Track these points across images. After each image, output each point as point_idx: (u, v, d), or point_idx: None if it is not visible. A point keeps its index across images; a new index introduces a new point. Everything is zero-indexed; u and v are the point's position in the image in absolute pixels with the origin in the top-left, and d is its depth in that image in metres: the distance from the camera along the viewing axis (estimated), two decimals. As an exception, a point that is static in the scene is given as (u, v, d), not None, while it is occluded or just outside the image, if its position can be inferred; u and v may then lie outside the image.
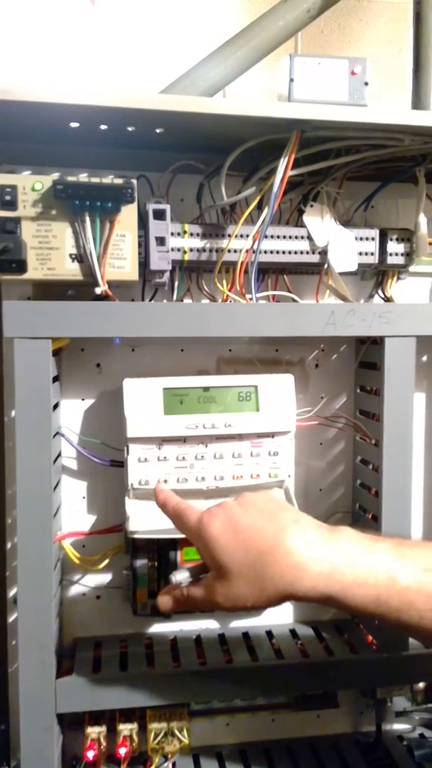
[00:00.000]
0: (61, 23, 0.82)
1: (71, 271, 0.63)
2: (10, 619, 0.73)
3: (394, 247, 0.74)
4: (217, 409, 0.69)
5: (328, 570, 0.50)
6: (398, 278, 0.78)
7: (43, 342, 0.62)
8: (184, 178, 0.72)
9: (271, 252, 0.71)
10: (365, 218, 0.78)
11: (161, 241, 0.66)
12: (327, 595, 0.50)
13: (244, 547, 0.51)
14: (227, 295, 0.72)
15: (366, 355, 0.76)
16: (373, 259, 0.74)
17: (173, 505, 0.58)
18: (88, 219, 0.62)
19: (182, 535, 0.58)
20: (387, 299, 0.78)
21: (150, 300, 0.74)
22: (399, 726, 0.82)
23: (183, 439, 0.69)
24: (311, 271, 0.76)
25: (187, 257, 0.69)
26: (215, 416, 0.69)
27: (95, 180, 0.61)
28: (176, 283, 0.73)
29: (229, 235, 0.69)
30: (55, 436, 0.67)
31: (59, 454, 0.72)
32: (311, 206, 0.73)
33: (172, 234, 0.68)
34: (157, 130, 0.65)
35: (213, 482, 0.70)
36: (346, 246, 0.72)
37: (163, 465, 0.69)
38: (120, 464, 0.70)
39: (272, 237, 0.71)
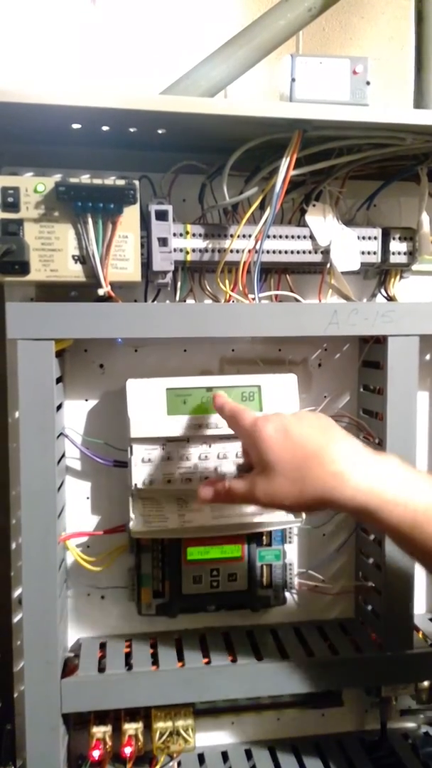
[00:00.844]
0: (63, 24, 0.82)
1: (74, 272, 0.63)
2: (15, 619, 0.73)
3: (397, 246, 0.74)
4: (220, 409, 0.69)
5: (370, 484, 0.52)
6: (401, 277, 0.78)
7: (47, 343, 0.62)
8: (186, 178, 0.72)
9: (274, 252, 0.71)
10: (368, 217, 0.78)
11: (164, 241, 0.66)
12: (364, 508, 0.51)
13: (291, 449, 0.54)
14: (230, 296, 0.72)
15: (369, 355, 0.76)
16: (376, 258, 0.74)
17: (230, 407, 0.62)
18: (90, 220, 0.62)
19: (184, 535, 0.58)
20: (390, 298, 0.78)
21: (153, 301, 0.74)
22: (404, 724, 0.82)
23: (186, 439, 0.69)
24: (314, 270, 0.76)
25: (189, 258, 0.69)
26: (218, 416, 0.69)
27: (97, 181, 0.61)
28: (179, 284, 0.73)
29: (232, 236, 0.69)
30: (58, 436, 0.67)
31: (63, 455, 0.72)
32: (313, 206, 0.73)
33: (175, 234, 0.68)
34: (159, 131, 0.65)
35: (216, 482, 0.70)
36: (348, 245, 0.72)
37: (167, 465, 0.69)
38: (123, 465, 0.70)
39: (275, 237, 0.71)
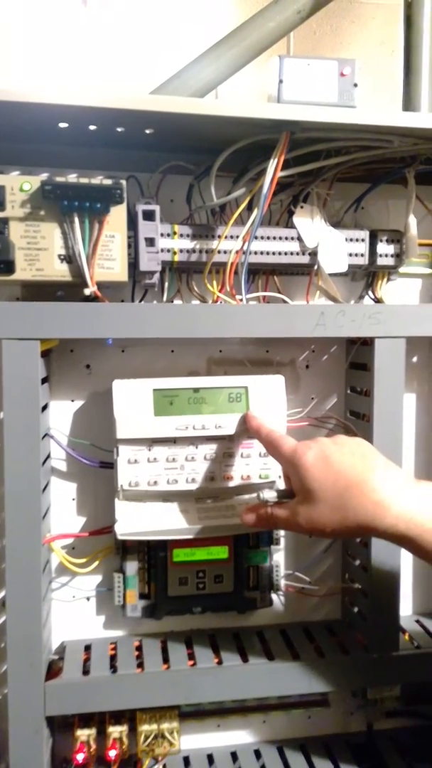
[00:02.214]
0: (52, 22, 0.82)
1: (60, 271, 0.63)
2: (-1, 621, 0.73)
3: (384, 248, 0.74)
4: (207, 410, 0.69)
5: (411, 513, 0.53)
6: (388, 279, 0.78)
7: (32, 343, 0.61)
8: (173, 178, 0.72)
9: (261, 253, 0.71)
10: (355, 219, 0.78)
11: (151, 242, 0.66)
12: (405, 536, 0.53)
13: (333, 478, 0.55)
14: (217, 296, 0.72)
15: (356, 356, 0.76)
16: (363, 260, 0.74)
17: (267, 433, 0.63)
18: (77, 219, 0.62)
19: (170, 537, 0.58)
20: (377, 300, 0.78)
21: (140, 301, 0.74)
22: (389, 726, 0.82)
23: (173, 440, 0.69)
24: (301, 272, 0.77)
25: (176, 258, 0.69)
26: (205, 417, 0.68)
27: (84, 180, 0.61)
28: (166, 284, 0.73)
29: (219, 236, 0.69)
30: (44, 437, 0.67)
31: (48, 456, 0.72)
32: (301, 207, 0.73)
33: (162, 235, 0.68)
34: (147, 131, 0.65)
35: (203, 483, 0.69)
36: (336, 247, 0.72)
37: (153, 466, 0.68)
38: (109, 466, 0.70)
39: (262, 238, 0.71)
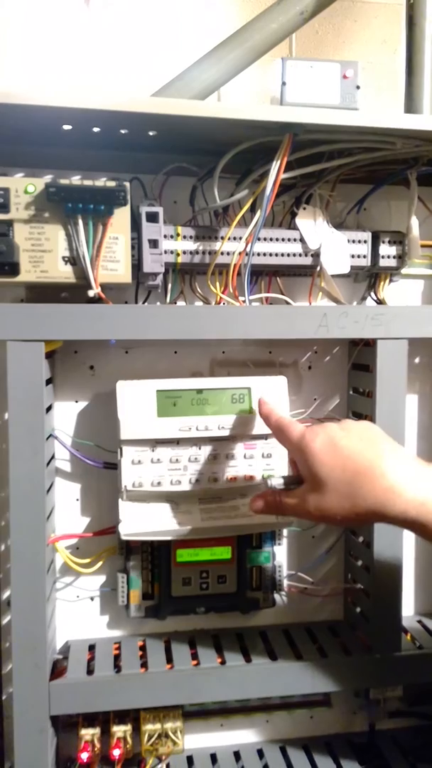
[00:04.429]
0: (56, 24, 0.82)
1: (64, 273, 0.63)
2: (4, 621, 0.73)
3: (387, 249, 0.74)
4: (210, 411, 0.69)
5: (422, 498, 0.52)
6: (390, 280, 0.78)
7: (36, 344, 0.62)
8: (177, 180, 0.72)
9: (264, 254, 0.71)
10: (358, 221, 0.78)
11: (154, 243, 0.66)
12: (417, 522, 0.52)
13: (342, 464, 0.54)
14: (220, 298, 0.72)
15: (359, 357, 0.76)
16: (366, 262, 0.74)
17: (276, 419, 0.62)
18: (81, 221, 0.62)
19: (174, 537, 0.58)
20: (379, 301, 0.79)
21: (143, 302, 0.74)
22: (392, 726, 0.83)
23: (176, 441, 0.69)
24: (304, 273, 0.77)
25: (180, 259, 0.69)
26: (208, 418, 0.69)
27: (88, 182, 0.61)
28: (169, 286, 0.73)
29: (222, 238, 0.69)
30: (48, 438, 0.67)
31: (53, 457, 0.72)
32: (304, 209, 0.73)
33: (165, 236, 0.68)
34: (150, 133, 0.66)
35: (206, 484, 0.70)
36: (338, 248, 0.72)
37: (157, 467, 0.69)
38: (113, 466, 0.70)
39: (265, 239, 0.71)
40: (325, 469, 0.55)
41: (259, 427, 0.69)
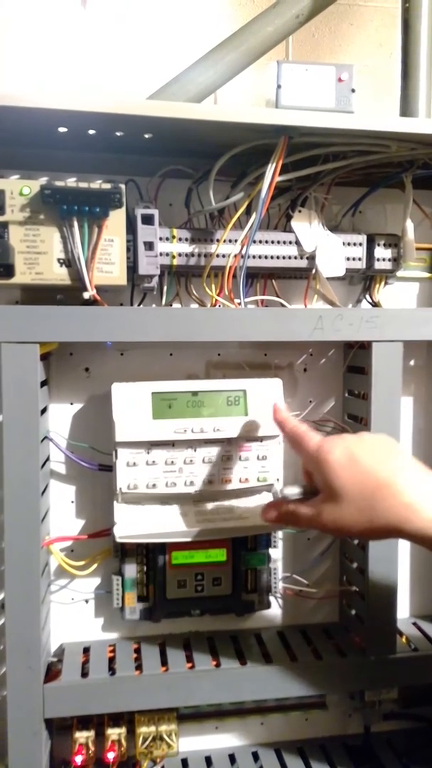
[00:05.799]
0: (51, 26, 0.82)
1: (59, 275, 0.63)
2: (-2, 623, 0.73)
3: (382, 252, 0.75)
4: (205, 414, 0.69)
5: None
6: (386, 283, 0.79)
7: (31, 346, 0.62)
8: (172, 182, 0.73)
9: (260, 257, 0.71)
10: (353, 223, 0.78)
11: (150, 245, 0.66)
12: None
13: (360, 478, 0.53)
14: (216, 300, 0.72)
15: (354, 360, 0.77)
16: (361, 264, 0.74)
17: (291, 427, 0.61)
18: (76, 224, 0.62)
19: (169, 539, 0.58)
20: (374, 304, 0.79)
21: (139, 305, 0.74)
22: (387, 728, 0.83)
23: (172, 444, 0.69)
24: (299, 276, 0.77)
25: (175, 262, 0.70)
26: (204, 420, 0.69)
27: (83, 185, 0.61)
28: (165, 288, 0.73)
29: (218, 240, 0.70)
30: (43, 440, 0.67)
31: (47, 459, 0.72)
32: (299, 211, 0.73)
33: (161, 239, 0.68)
34: (146, 135, 0.66)
35: (202, 486, 0.70)
36: (333, 251, 0.73)
37: (152, 469, 0.69)
38: (108, 468, 0.70)
39: (260, 242, 0.71)
40: (343, 482, 0.54)
41: (254, 429, 0.70)
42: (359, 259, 0.74)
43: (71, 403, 0.75)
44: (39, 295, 0.68)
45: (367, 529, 0.53)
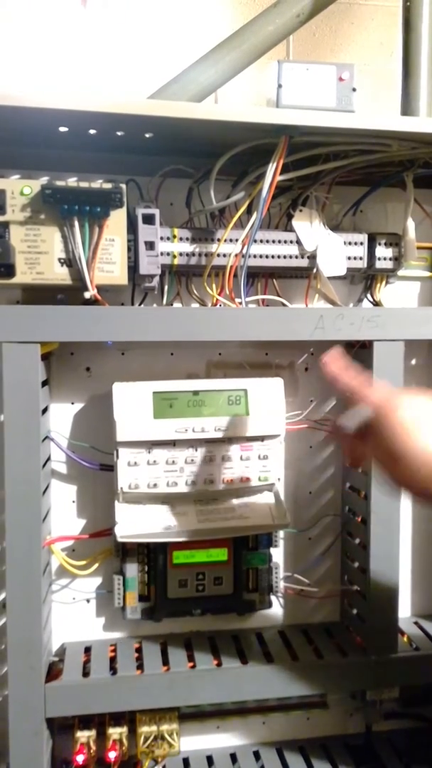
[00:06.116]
0: (52, 25, 0.82)
1: (60, 275, 0.63)
2: None
3: (383, 251, 0.74)
4: (206, 413, 0.69)
5: None
6: (387, 282, 0.79)
7: (32, 346, 0.62)
8: (173, 182, 0.72)
9: (260, 256, 0.71)
10: (354, 223, 0.78)
11: (151, 245, 0.66)
12: None
13: (423, 444, 0.51)
14: (217, 300, 0.72)
15: (355, 359, 0.76)
16: (362, 264, 0.74)
17: (347, 382, 0.57)
18: (77, 223, 0.62)
19: (170, 539, 0.57)
20: (376, 303, 0.79)
21: (140, 304, 0.74)
22: (388, 728, 0.83)
23: (173, 443, 0.69)
24: (300, 275, 0.77)
25: (176, 261, 0.70)
26: (205, 420, 0.69)
27: (84, 184, 0.61)
28: (166, 288, 0.73)
29: (219, 240, 0.70)
30: (44, 440, 0.67)
31: (48, 459, 0.72)
32: (300, 211, 0.73)
33: (162, 238, 0.68)
34: (147, 135, 0.66)
35: (203, 486, 0.70)
36: (334, 250, 0.73)
37: (153, 469, 0.69)
38: (109, 468, 0.70)
39: (261, 241, 0.71)
40: (403, 444, 0.51)
41: (256, 428, 0.70)
42: (360, 259, 0.74)
43: (72, 403, 0.75)
44: (40, 294, 0.68)
45: (416, 490, 0.52)
